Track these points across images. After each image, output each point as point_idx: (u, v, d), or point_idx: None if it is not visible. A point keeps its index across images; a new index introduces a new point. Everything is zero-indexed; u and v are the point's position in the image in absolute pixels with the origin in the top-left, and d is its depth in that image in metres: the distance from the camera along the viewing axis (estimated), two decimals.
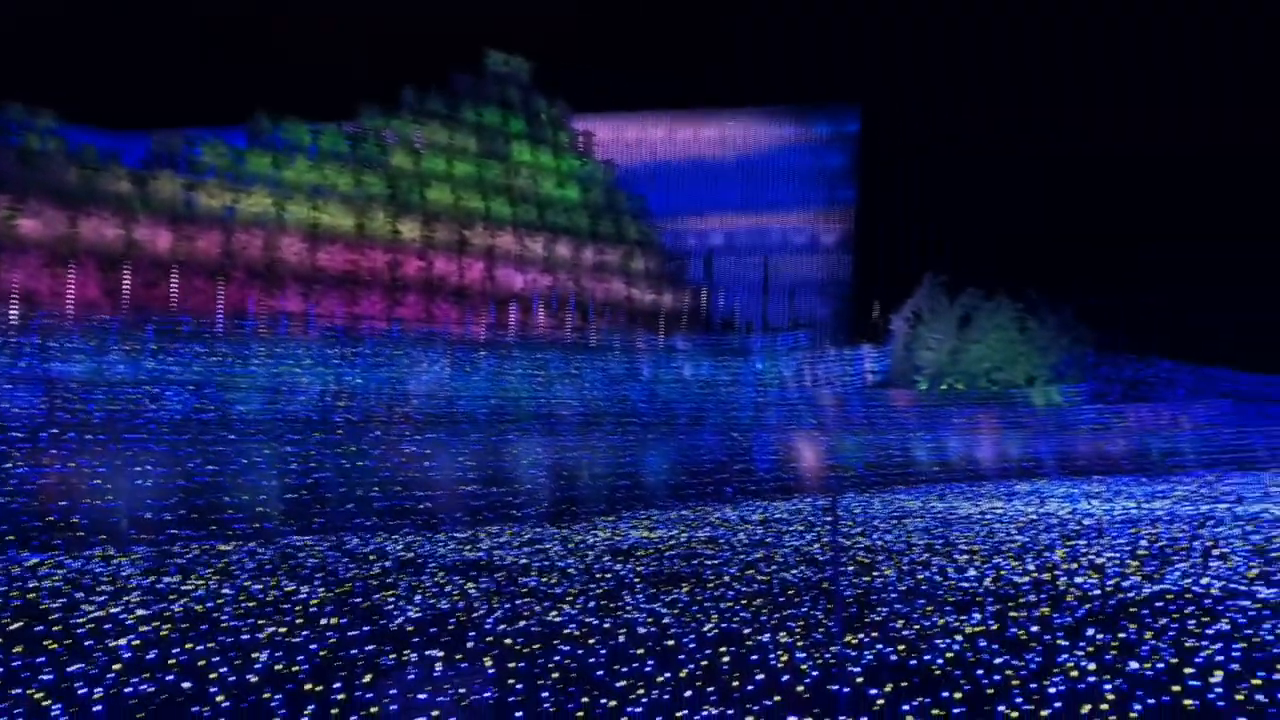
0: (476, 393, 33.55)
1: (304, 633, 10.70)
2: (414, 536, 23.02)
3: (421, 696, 7.63)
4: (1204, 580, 13.31)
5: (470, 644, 10.06)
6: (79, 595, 12.87)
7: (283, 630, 10.81)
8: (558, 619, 11.31)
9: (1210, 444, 51.54)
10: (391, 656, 9.37)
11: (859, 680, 8.24)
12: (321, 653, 9.77)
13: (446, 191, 48.42)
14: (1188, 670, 8.38)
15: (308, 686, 8.50)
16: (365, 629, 10.87)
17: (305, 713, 7.75)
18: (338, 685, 8.44)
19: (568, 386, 37.38)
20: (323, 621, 11.26)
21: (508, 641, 10.15)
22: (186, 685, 8.61)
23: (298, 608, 12.17)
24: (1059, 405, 52.94)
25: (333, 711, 7.74)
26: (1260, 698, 7.59)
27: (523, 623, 11.12)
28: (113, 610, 11.85)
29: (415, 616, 11.50)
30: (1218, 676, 8.16)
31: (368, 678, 8.56)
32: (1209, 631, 10.06)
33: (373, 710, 7.67)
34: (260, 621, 11.29)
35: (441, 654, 9.25)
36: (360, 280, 42.30)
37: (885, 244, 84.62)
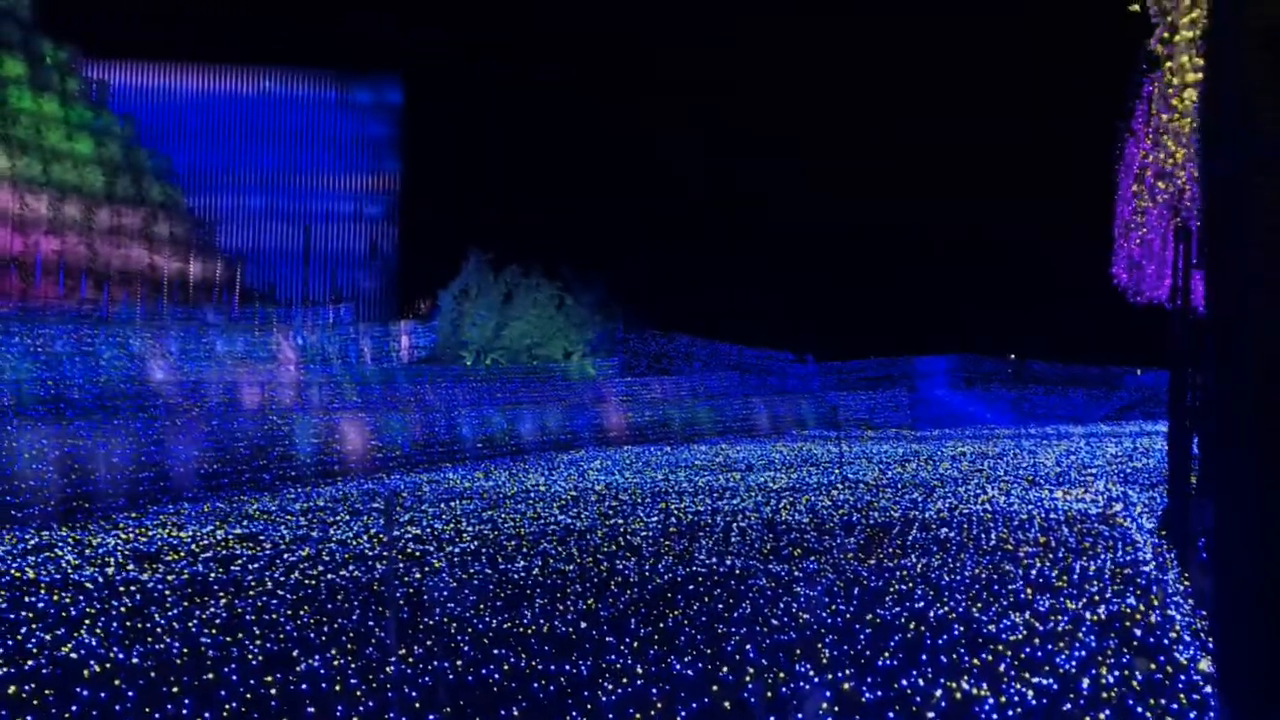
0: None
1: None
2: None
3: None
4: (728, 560, 14.44)
5: None
6: None
7: None
8: (74, 655, 10.01)
9: (723, 414, 56.68)
10: None
11: (416, 706, 8.00)
12: None
13: None
14: (724, 665, 8.93)
15: None
16: None
17: None
18: None
19: (79, 366, 33.68)
20: None
21: (10, 690, 8.81)
22: None
23: None
24: (593, 378, 55.78)
25: None
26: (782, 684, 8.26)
27: (30, 663, 9.72)
28: None
29: None
30: (750, 669, 8.82)
31: None
32: (735, 615, 10.86)
33: None
34: None
35: None
36: None
37: (430, 218, 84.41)
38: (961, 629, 9.77)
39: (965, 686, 7.71)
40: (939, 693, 7.56)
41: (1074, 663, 8.40)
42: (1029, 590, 11.51)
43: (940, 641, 9.22)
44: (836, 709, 7.27)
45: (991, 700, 7.39)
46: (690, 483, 27.19)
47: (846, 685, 7.79)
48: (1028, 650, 8.85)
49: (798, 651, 8.95)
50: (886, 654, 8.79)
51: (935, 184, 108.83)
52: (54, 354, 34.41)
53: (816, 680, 7.96)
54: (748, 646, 9.27)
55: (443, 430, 37.70)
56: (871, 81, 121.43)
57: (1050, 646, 8.96)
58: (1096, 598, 11.07)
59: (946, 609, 10.66)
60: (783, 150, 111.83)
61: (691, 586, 12.49)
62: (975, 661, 8.48)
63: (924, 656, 8.68)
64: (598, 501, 22.90)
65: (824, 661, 8.59)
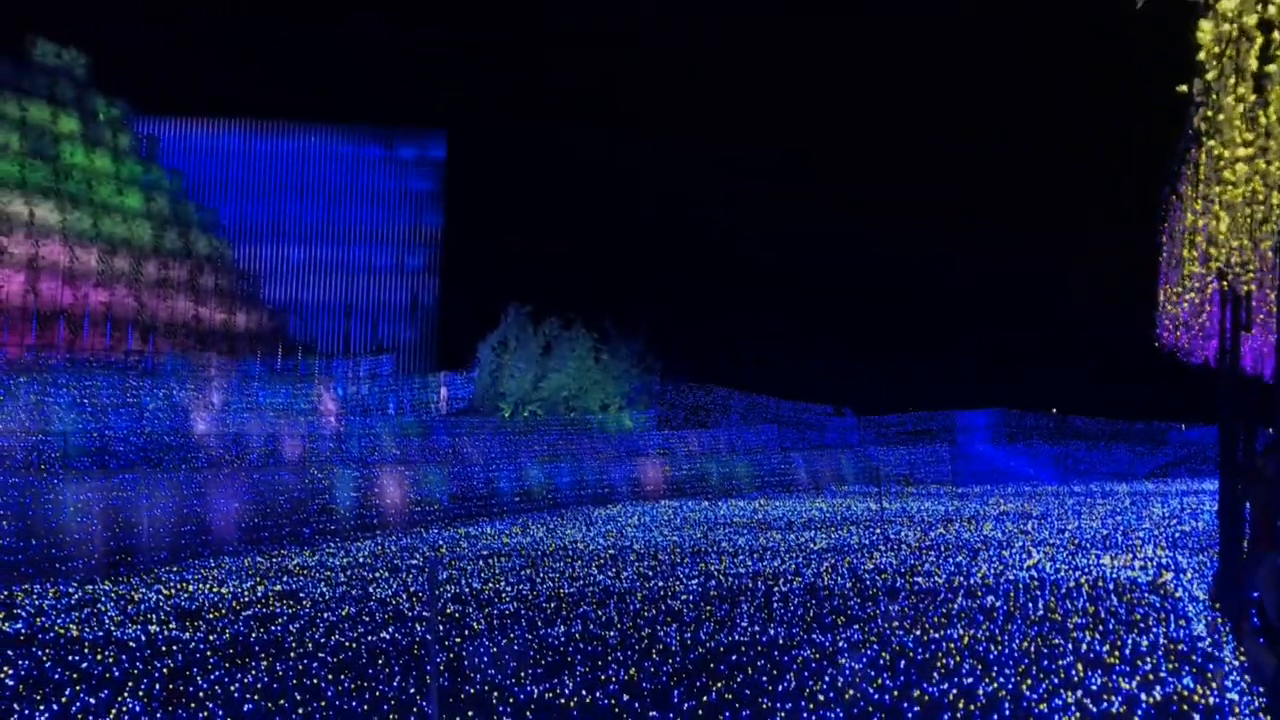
0: (12, 425, 29.68)
1: None
2: None
3: None
4: (771, 628, 14.27)
5: None
6: None
7: None
8: None
9: (761, 468, 56.37)
10: None
11: None
12: None
13: None
14: None
15: None
16: None
17: None
18: None
19: (124, 417, 34.08)
20: None
21: None
22: None
23: None
24: (630, 430, 55.72)
25: None
26: None
27: None
28: None
29: None
30: None
31: None
32: (779, 689, 10.71)
33: None
34: None
35: None
36: None
37: (470, 270, 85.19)
38: (1011, 707, 9.57)
39: None
40: None
41: None
42: (1079, 666, 11.27)
43: None
44: None
45: None
46: (730, 542, 26.98)
47: None
48: None
49: None
50: None
51: (976, 239, 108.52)
52: (100, 405, 34.85)
53: None
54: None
55: (480, 484, 37.73)
56: (918, 139, 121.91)
57: None
58: (1150, 676, 10.81)
59: (995, 685, 10.45)
60: (825, 205, 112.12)
61: (734, 656, 12.34)
62: None
63: None
64: (636, 561, 22.76)
65: None
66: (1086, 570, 19.33)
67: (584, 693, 10.65)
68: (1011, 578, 18.52)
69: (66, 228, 44.37)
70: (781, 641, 13.20)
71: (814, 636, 13.43)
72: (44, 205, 43.98)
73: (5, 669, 12.73)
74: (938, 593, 17.02)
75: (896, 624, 14.15)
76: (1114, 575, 18.71)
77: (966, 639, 12.97)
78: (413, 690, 11.03)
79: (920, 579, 18.75)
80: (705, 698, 10.30)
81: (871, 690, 10.33)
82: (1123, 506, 37.25)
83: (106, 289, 45.13)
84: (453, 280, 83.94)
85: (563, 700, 10.40)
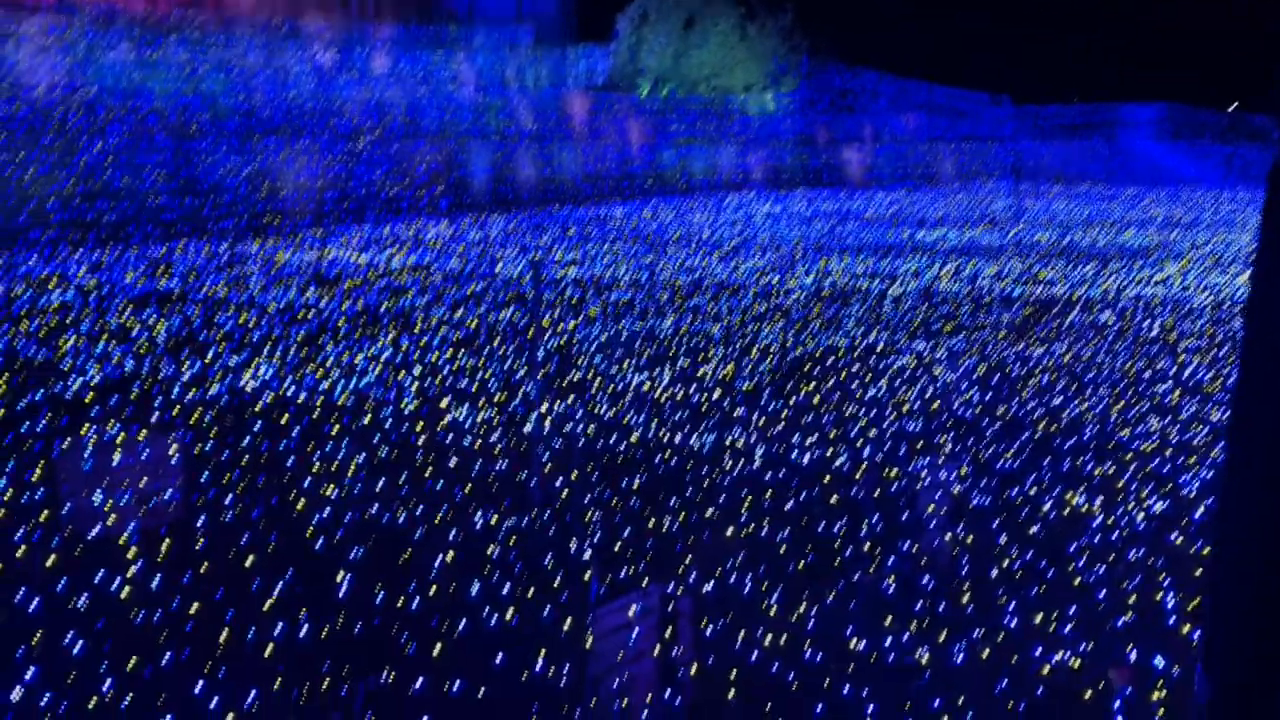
0: (167, 85, 30.67)
1: None
2: (100, 254, 21.51)
3: (102, 480, 7.35)
4: (875, 333, 14.49)
5: (155, 415, 9.69)
6: None
7: None
8: (251, 384, 11.02)
9: (905, 160, 54.90)
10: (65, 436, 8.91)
11: (544, 467, 8.56)
12: None
13: None
14: (840, 452, 9.19)
15: None
16: (36, 396, 10.23)
17: None
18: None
19: (271, 82, 34.76)
20: None
21: (196, 415, 9.83)
22: None
23: None
24: (771, 112, 54.44)
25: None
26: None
27: (212, 389, 10.77)
28: None
29: (94, 381, 10.89)
30: (871, 430, 9.07)
31: (38, 468, 8.13)
32: (868, 396, 11.04)
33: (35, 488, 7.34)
34: None
35: (121, 433, 8.87)
36: None
37: None
38: (1093, 430, 9.71)
39: (1078, 501, 7.77)
40: (1048, 505, 7.66)
41: (1196, 486, 8.31)
42: (1176, 393, 11.24)
43: (1066, 446, 9.22)
44: (941, 513, 7.48)
45: (1100, 519, 7.45)
46: (855, 238, 26.86)
47: (956, 489, 7.95)
48: (1155, 463, 8.77)
49: (919, 445, 9.11)
50: (1008, 455, 8.86)
51: None
52: (248, 68, 35.50)
53: (927, 480, 8.15)
54: (871, 432, 9.48)
55: (613, 164, 37.85)
56: None
57: (1180, 461, 8.85)
58: None
59: (1084, 407, 10.55)
60: None
61: (830, 359, 12.66)
62: (1097, 471, 8.48)
63: (1045, 461, 8.73)
64: (758, 254, 22.96)
65: (941, 458, 8.74)
66: (1217, 290, 18.77)
67: (678, 386, 11.18)
68: (1134, 294, 18.14)
69: None
70: (882, 347, 13.44)
71: (914, 344, 13.61)
72: None
73: (158, 324, 13.94)
74: (1053, 304, 16.86)
75: (1003, 335, 14.20)
76: (1244, 297, 18.13)
77: (1069, 356, 12.98)
78: (520, 373, 11.72)
79: (1039, 288, 18.53)
80: (794, 399, 10.70)
81: (957, 404, 10.57)
82: None
83: None
84: None
85: (658, 392, 10.95)
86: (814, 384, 11.36)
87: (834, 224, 30.30)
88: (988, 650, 5.47)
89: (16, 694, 4.91)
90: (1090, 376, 11.93)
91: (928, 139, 63.70)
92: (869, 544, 6.84)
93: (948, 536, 6.98)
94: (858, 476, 8.21)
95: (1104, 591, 6.19)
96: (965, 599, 6.07)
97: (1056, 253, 24.13)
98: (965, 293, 18.00)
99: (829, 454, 8.80)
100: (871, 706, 4.92)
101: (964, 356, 12.89)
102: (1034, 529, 7.19)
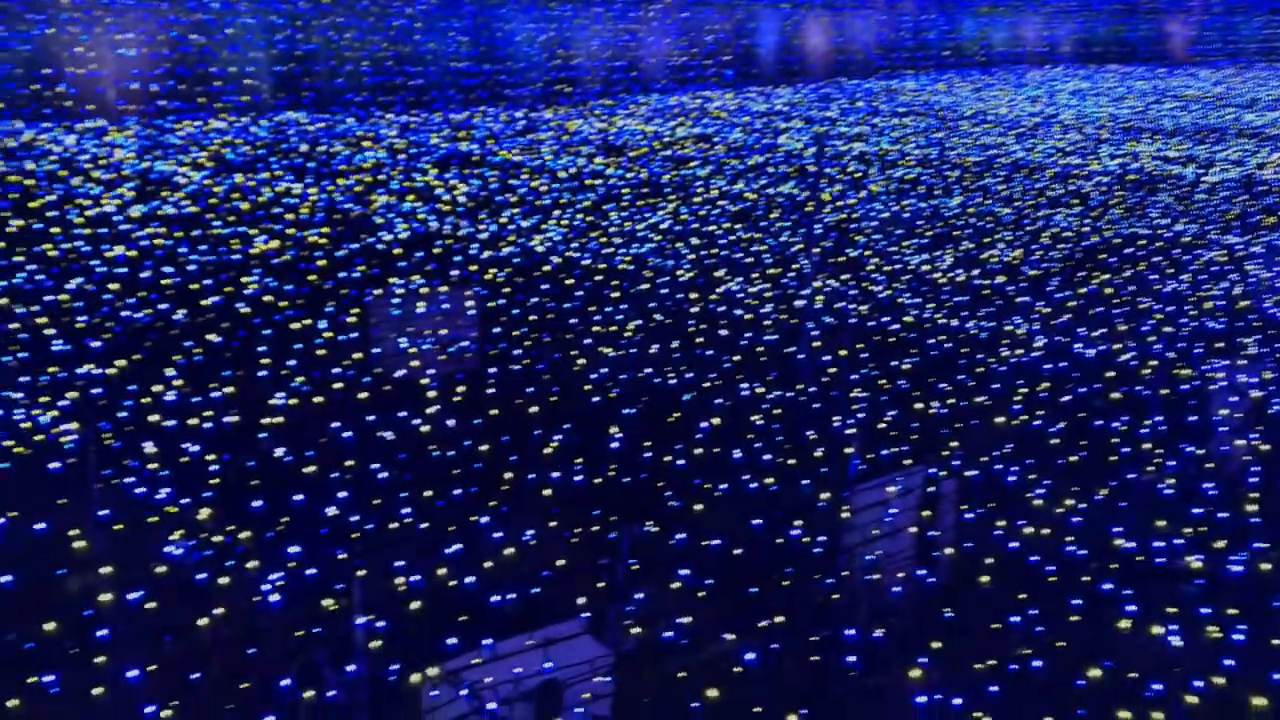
0: None
1: (292, 250, 11.01)
2: (408, 117, 22.85)
3: (407, 327, 8.05)
4: (1182, 223, 13.49)
5: (454, 271, 10.41)
6: (75, 182, 13.02)
7: (273, 246, 11.10)
8: (541, 246, 11.58)
9: (1238, 30, 49.57)
10: (376, 288, 9.72)
11: (813, 342, 8.62)
12: (309, 276, 10.12)
13: None
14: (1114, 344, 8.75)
15: (294, 326, 8.90)
16: (354, 245, 11.18)
17: (292, 347, 8.21)
18: (325, 319, 8.84)
19: None
20: (311, 237, 11.53)
21: (490, 273, 10.47)
22: (169, 310, 9.00)
23: (289, 215, 12.41)
24: None
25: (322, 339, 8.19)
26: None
27: (506, 249, 11.40)
28: (106, 210, 12.06)
29: (404, 238, 11.76)
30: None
31: (354, 312, 8.94)
32: (1164, 291, 10.38)
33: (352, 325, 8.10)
34: (251, 233, 11.56)
35: (424, 284, 9.60)
36: None
37: None
38: None
39: None
40: None
41: None
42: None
43: None
44: (1235, 418, 7.03)
45: None
46: (1172, 119, 24.73)
47: (1256, 394, 7.42)
48: None
49: (1218, 345, 8.53)
50: None
51: None
52: None
53: (1223, 383, 7.65)
54: (1166, 329, 8.94)
55: (907, 34, 36.26)
56: None
57: None
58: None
59: None
60: None
61: (1129, 250, 11.92)
62: None
63: None
64: (1058, 133, 21.61)
65: (1242, 360, 8.16)
66: None
67: (958, 272, 10.87)
68: None
69: None
70: (1188, 239, 12.50)
71: (1227, 237, 12.58)
72: None
73: (461, 186, 14.80)
74: None
75: None
76: None
77: None
78: (794, 250, 11.72)
79: None
80: (1083, 289, 10.21)
81: (1269, 305, 9.76)
82: None
83: None
84: None
85: (935, 274, 10.70)
86: (1108, 274, 10.76)
87: (1149, 103, 27.97)
88: (1269, 564, 5.19)
89: (332, 511, 5.56)
90: None
91: (1268, 8, 57.07)
92: (1149, 444, 6.55)
93: (1239, 442, 6.58)
94: (1145, 373, 7.81)
95: None
96: (1251, 508, 5.74)
97: None
98: None
99: (1115, 349, 8.39)
100: (1133, 608, 4.81)
101: (1278, 254, 11.83)
102: None
